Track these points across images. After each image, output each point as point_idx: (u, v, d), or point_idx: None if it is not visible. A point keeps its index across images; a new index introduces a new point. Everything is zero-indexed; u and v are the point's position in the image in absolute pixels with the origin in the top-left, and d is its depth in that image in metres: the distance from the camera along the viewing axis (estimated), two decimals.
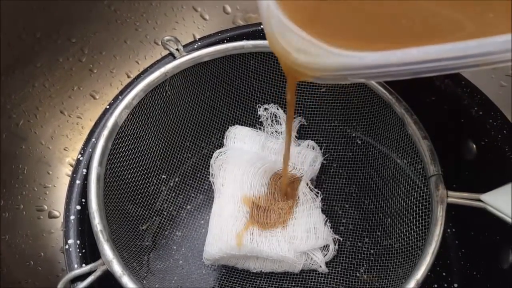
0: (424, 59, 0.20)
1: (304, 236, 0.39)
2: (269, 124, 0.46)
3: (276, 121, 0.46)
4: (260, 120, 0.47)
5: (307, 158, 0.43)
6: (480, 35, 0.19)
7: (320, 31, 0.22)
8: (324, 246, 0.40)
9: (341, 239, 0.42)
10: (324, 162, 0.45)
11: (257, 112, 0.47)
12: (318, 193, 0.42)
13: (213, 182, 0.43)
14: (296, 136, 0.46)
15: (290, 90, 0.32)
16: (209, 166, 0.44)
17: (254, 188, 0.41)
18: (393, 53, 0.20)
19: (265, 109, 0.46)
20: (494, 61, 0.19)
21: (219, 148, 0.45)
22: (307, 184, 0.41)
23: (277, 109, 0.46)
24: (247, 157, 0.43)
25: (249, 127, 0.47)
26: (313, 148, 0.45)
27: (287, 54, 0.23)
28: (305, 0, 0.24)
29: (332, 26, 0.23)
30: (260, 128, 0.47)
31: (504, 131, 0.38)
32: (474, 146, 0.41)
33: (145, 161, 0.43)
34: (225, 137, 0.46)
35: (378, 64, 0.21)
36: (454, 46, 0.19)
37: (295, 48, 0.23)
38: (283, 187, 0.41)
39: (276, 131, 0.46)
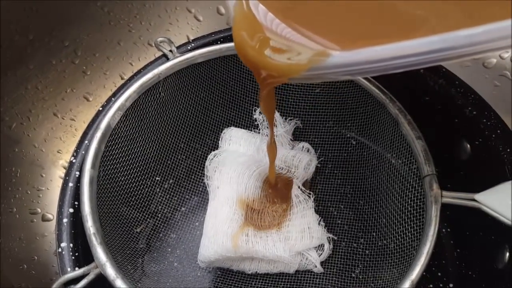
0: (392, 56, 0.20)
1: (298, 237, 0.39)
2: (265, 127, 0.46)
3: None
4: (256, 123, 0.47)
5: (301, 162, 0.43)
6: (449, 29, 0.19)
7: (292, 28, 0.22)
8: (319, 246, 0.40)
9: (336, 238, 0.42)
10: (319, 163, 0.45)
11: (253, 115, 0.46)
12: (310, 193, 0.42)
13: (207, 184, 0.43)
14: (290, 139, 0.46)
15: (268, 98, 0.31)
16: (203, 168, 0.44)
17: (249, 190, 0.41)
18: (361, 51, 0.21)
19: (261, 112, 0.46)
20: (463, 54, 0.19)
21: (214, 150, 0.45)
22: (299, 187, 0.41)
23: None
24: (242, 159, 0.42)
25: (244, 128, 0.47)
26: (308, 151, 0.45)
27: (260, 56, 0.23)
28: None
29: (302, 23, 0.23)
30: (255, 130, 0.47)
31: (498, 131, 0.38)
32: (468, 146, 0.41)
33: (139, 163, 0.43)
34: (220, 139, 0.46)
35: (348, 63, 0.21)
36: (419, 42, 0.19)
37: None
38: (271, 192, 0.41)
39: None
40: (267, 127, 0.46)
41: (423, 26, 0.20)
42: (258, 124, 0.46)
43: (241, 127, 0.47)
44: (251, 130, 0.47)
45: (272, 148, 0.38)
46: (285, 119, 0.46)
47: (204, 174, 0.43)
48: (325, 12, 0.23)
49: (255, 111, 0.46)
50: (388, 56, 0.20)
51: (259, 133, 0.46)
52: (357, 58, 0.21)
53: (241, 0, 0.24)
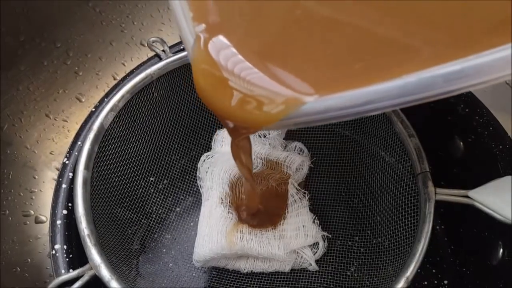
0: (375, 98, 0.19)
1: (293, 235, 0.39)
2: None
3: None
4: None
5: (293, 164, 0.43)
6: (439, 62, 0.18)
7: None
8: (314, 244, 0.40)
9: (331, 236, 0.42)
10: (313, 163, 0.45)
11: None
12: (305, 193, 0.42)
13: (200, 186, 0.43)
14: (283, 139, 0.46)
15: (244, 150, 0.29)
16: (197, 168, 0.43)
17: (240, 191, 0.41)
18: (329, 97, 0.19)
19: None
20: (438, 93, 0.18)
21: (208, 150, 0.45)
22: (294, 185, 0.41)
23: None
24: (234, 162, 0.42)
25: None
26: (301, 150, 0.45)
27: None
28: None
29: (274, 64, 0.21)
30: None
31: (490, 128, 0.38)
32: (461, 143, 0.41)
33: (133, 163, 0.43)
34: (213, 141, 0.46)
35: (319, 111, 0.19)
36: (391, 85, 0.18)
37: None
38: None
39: (264, 135, 0.46)
40: None
41: (413, 59, 0.19)
42: None
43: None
44: None
45: (252, 196, 0.37)
46: None
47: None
48: (298, 48, 0.21)
49: None
50: (371, 98, 0.19)
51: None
52: (338, 103, 0.19)
53: (199, 41, 0.21)
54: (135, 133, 0.42)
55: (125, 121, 0.40)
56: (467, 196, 0.32)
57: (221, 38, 0.21)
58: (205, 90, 0.21)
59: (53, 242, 0.34)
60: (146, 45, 0.44)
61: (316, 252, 0.40)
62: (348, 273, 0.40)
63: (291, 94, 0.19)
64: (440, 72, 0.18)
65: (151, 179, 0.45)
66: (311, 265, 0.39)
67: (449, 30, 0.19)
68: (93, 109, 0.40)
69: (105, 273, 0.31)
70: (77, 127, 0.40)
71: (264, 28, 0.22)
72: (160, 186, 0.45)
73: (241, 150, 0.29)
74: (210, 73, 0.21)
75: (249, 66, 0.20)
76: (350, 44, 0.20)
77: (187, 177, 0.46)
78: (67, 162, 0.38)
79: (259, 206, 0.40)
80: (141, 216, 0.43)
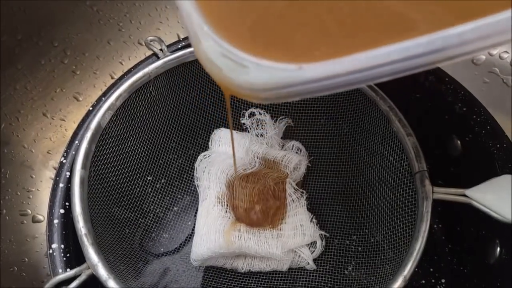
0: (373, 65, 0.18)
1: (291, 234, 0.39)
2: (254, 128, 0.46)
3: (262, 126, 0.46)
4: (244, 126, 0.46)
5: (291, 163, 0.43)
6: (428, 31, 0.18)
7: (254, 44, 0.20)
8: (311, 243, 0.40)
9: (328, 235, 0.42)
10: (311, 162, 0.45)
11: (241, 119, 0.46)
12: (302, 192, 0.42)
13: (197, 185, 0.43)
14: (281, 138, 0.46)
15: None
16: (194, 168, 0.43)
17: (236, 190, 0.41)
18: (338, 61, 0.19)
19: (250, 115, 0.46)
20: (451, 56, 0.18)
21: (206, 150, 0.45)
22: (291, 185, 0.41)
23: (264, 114, 0.46)
24: (230, 161, 0.43)
25: (234, 128, 0.47)
26: (299, 149, 0.45)
27: (229, 80, 0.20)
28: (235, 12, 0.21)
29: (266, 37, 0.20)
30: (245, 129, 0.46)
31: (488, 127, 0.38)
32: (459, 142, 0.41)
33: (130, 163, 0.42)
34: (210, 140, 0.46)
35: (322, 77, 0.19)
36: (404, 45, 0.18)
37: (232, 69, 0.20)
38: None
39: (261, 135, 0.46)
40: (257, 128, 0.46)
41: (410, 29, 0.19)
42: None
43: (232, 126, 0.47)
44: (242, 131, 0.46)
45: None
46: (276, 119, 0.46)
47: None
48: (283, 21, 0.20)
49: (243, 115, 0.46)
50: (376, 63, 0.18)
51: (248, 131, 0.46)
52: (338, 68, 0.19)
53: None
54: (132, 132, 0.42)
55: (122, 120, 0.40)
56: (465, 195, 0.32)
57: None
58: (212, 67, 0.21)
59: (50, 241, 0.34)
60: (143, 44, 0.44)
61: (314, 251, 0.40)
62: (346, 272, 0.40)
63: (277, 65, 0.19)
64: (454, 31, 0.17)
65: (148, 178, 0.45)
66: (308, 264, 0.40)
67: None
68: (91, 108, 0.40)
69: (102, 272, 0.31)
70: (75, 126, 0.40)
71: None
72: (157, 185, 0.45)
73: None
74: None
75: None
76: (350, 13, 0.20)
77: (184, 176, 0.46)
78: (64, 161, 0.38)
79: (256, 205, 0.40)
80: (138, 215, 0.43)
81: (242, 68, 0.19)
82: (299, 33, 0.20)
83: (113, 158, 0.40)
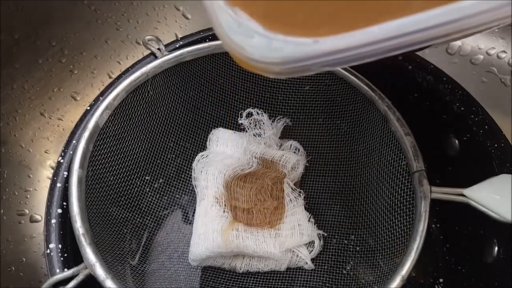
0: (387, 37, 0.18)
1: (288, 234, 0.39)
2: (252, 128, 0.46)
3: (260, 126, 0.46)
4: (242, 126, 0.46)
5: (288, 162, 0.43)
6: (444, 2, 0.17)
7: (273, 19, 0.20)
8: (309, 243, 0.40)
9: (326, 235, 0.42)
10: (308, 162, 0.45)
11: (239, 119, 0.46)
12: (300, 192, 0.42)
13: (195, 185, 0.43)
14: (279, 138, 0.46)
15: None
16: (192, 168, 0.43)
17: (234, 190, 0.41)
18: (351, 34, 0.19)
19: (248, 114, 0.46)
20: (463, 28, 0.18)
21: (204, 149, 0.45)
22: (289, 185, 0.41)
23: (262, 114, 0.45)
24: (228, 161, 0.43)
25: (233, 127, 0.47)
26: (297, 149, 0.45)
27: (240, 51, 0.20)
28: None
29: (280, 12, 0.20)
30: (243, 129, 0.46)
31: (486, 126, 0.38)
32: (457, 141, 0.41)
33: (128, 162, 0.42)
34: (208, 140, 0.46)
35: (338, 49, 0.19)
36: (419, 17, 0.18)
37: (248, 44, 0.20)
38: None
39: (259, 135, 0.46)
40: (254, 128, 0.46)
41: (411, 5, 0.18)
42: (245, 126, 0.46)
43: (230, 126, 0.47)
44: (240, 131, 0.46)
45: None
46: (274, 119, 0.46)
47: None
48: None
49: (241, 115, 0.46)
50: (388, 36, 0.18)
51: (246, 131, 0.46)
52: (351, 41, 0.19)
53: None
54: (130, 131, 0.42)
55: (120, 119, 0.40)
56: (463, 195, 0.32)
57: None
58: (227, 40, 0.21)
59: (48, 241, 0.34)
60: (141, 43, 0.44)
61: (312, 250, 0.40)
62: (344, 272, 0.41)
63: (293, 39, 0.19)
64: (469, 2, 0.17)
65: (146, 178, 0.45)
66: (306, 263, 0.40)
67: None
68: (88, 108, 0.40)
69: (100, 272, 0.31)
70: (72, 125, 0.40)
71: None
72: (155, 185, 0.45)
73: None
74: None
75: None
76: None
77: (182, 176, 0.46)
78: (62, 161, 0.38)
79: (254, 205, 0.40)
80: (136, 215, 0.43)
81: (257, 41, 0.20)
82: (314, 8, 0.20)
83: (111, 158, 0.40)
